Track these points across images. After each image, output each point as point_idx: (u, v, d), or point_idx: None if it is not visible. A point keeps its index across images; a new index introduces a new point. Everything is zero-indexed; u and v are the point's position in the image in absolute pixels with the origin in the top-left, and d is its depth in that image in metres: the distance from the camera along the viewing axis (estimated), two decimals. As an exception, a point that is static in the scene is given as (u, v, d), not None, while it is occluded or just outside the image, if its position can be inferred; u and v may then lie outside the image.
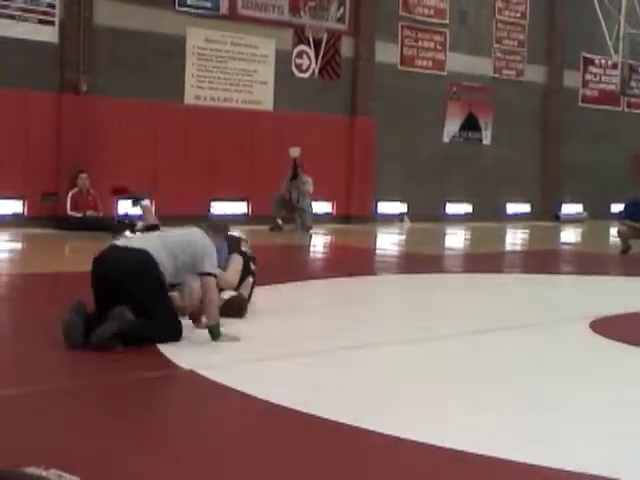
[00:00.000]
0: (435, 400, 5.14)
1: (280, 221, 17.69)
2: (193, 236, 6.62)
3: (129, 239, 6.84)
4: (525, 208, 24.75)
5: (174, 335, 6.37)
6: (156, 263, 6.34)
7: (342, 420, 4.53)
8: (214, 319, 6.42)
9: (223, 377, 5.35)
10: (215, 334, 6.37)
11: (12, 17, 15.91)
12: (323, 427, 4.50)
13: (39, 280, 9.56)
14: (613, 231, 17.49)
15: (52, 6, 16.30)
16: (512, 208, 24.41)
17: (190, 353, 6.09)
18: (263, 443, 4.27)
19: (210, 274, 6.46)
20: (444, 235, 19.91)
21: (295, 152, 17.54)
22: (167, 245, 6.48)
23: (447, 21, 22.44)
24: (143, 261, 6.32)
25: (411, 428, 4.41)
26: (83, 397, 5.00)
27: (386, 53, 21.26)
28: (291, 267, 11.73)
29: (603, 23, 22.95)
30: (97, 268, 6.40)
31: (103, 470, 3.69)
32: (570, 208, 25.72)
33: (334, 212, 20.66)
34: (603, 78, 26.06)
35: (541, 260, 14.74)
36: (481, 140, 23.57)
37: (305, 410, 4.69)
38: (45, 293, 8.73)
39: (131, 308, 6.18)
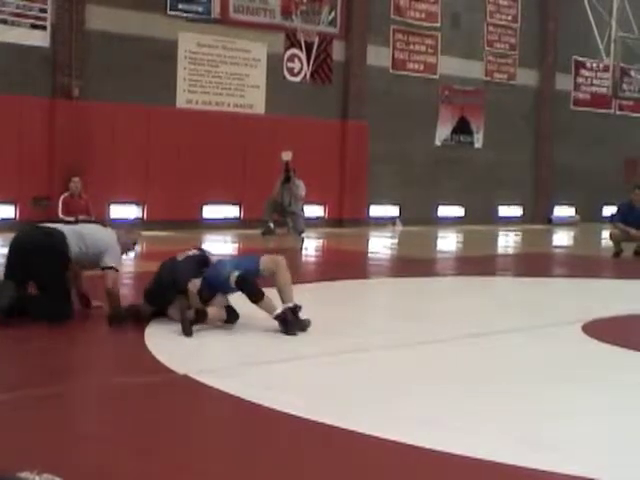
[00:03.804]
0: (431, 403, 5.15)
1: (272, 225, 17.66)
2: (104, 235, 7.46)
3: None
4: (517, 211, 24.82)
5: (60, 315, 7.03)
6: (66, 244, 7.14)
7: (338, 424, 4.53)
8: (114, 308, 7.23)
9: (217, 382, 5.33)
10: (114, 320, 7.11)
11: (4, 22, 15.91)
12: (318, 431, 4.50)
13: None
14: (605, 234, 17.53)
15: (44, 11, 16.29)
16: (504, 211, 24.47)
17: (184, 358, 6.10)
18: (256, 447, 4.28)
19: (111, 268, 7.27)
20: (436, 238, 19.93)
21: (287, 156, 17.51)
22: (80, 234, 7.32)
23: (439, 24, 22.49)
24: (53, 241, 7.14)
25: (409, 432, 4.42)
26: (75, 402, 5.00)
27: (378, 56, 21.30)
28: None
29: (594, 26, 23.02)
30: (13, 242, 7.40)
31: (94, 475, 3.69)
32: (562, 211, 25.80)
33: (327, 216, 20.68)
34: (595, 81, 26.14)
35: (533, 263, 14.76)
36: (473, 143, 23.61)
37: (300, 414, 4.69)
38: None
39: (36, 283, 7.19)
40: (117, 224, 15.37)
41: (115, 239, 7.52)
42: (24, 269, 7.18)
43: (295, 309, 7.05)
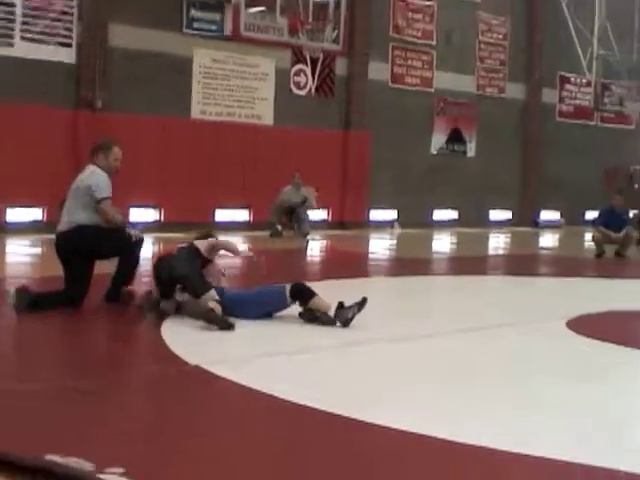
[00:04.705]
0: (425, 393, 5.15)
1: (280, 227, 17.69)
2: (82, 178, 7.75)
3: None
4: (506, 215, 24.79)
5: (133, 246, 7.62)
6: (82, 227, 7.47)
7: (339, 412, 4.51)
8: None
9: (227, 372, 5.31)
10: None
11: (34, 40, 15.96)
12: (324, 420, 4.48)
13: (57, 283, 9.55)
14: (588, 237, 17.50)
15: (70, 30, 16.34)
16: (494, 215, 24.44)
17: (197, 349, 6.08)
18: (263, 435, 4.27)
19: (103, 199, 7.59)
20: (432, 240, 19.92)
21: (308, 193, 17.65)
22: (72, 197, 7.67)
23: (434, 42, 22.48)
24: (74, 240, 7.50)
25: (407, 420, 4.40)
26: (92, 393, 4.93)
27: (378, 71, 21.29)
28: (288, 270, 11.71)
29: (577, 45, 23.07)
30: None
31: (114, 458, 3.68)
32: (548, 215, 25.76)
33: (330, 219, 20.66)
34: (578, 95, 26.12)
35: (522, 263, 14.73)
36: (465, 152, 23.60)
37: (309, 404, 4.65)
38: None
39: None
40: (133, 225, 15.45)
41: (97, 171, 7.68)
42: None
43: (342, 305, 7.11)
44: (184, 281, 7.16)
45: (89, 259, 7.62)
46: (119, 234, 7.65)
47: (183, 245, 7.63)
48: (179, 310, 7.28)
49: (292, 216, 17.84)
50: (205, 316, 6.78)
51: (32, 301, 7.17)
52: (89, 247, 7.53)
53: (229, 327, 6.68)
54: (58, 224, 7.80)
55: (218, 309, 6.88)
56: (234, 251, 7.86)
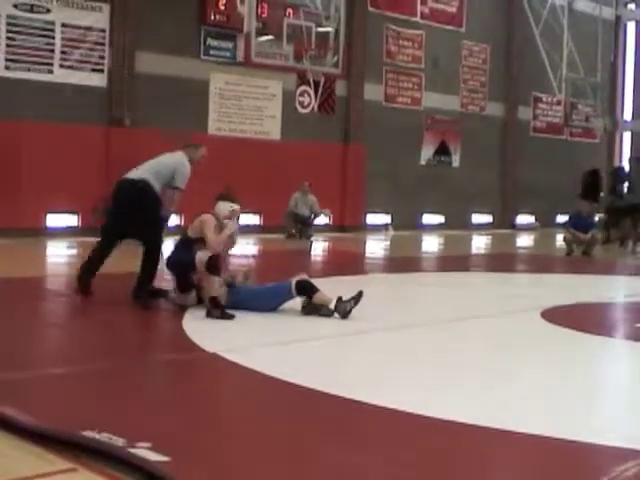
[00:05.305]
0: (417, 376, 5.14)
1: (294, 230, 17.60)
2: (171, 158, 7.72)
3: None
4: (487, 219, 24.76)
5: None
6: (151, 186, 7.39)
7: (340, 394, 4.51)
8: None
9: (242, 359, 5.30)
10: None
11: (71, 67, 16.04)
12: (325, 400, 4.48)
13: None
14: (559, 237, 17.50)
15: (102, 57, 16.40)
16: (477, 219, 24.41)
17: (214, 338, 6.06)
18: (274, 413, 4.27)
19: (177, 188, 7.69)
20: (421, 241, 19.91)
21: (313, 201, 17.61)
22: (150, 166, 7.59)
23: (422, 66, 22.46)
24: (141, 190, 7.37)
25: (403, 400, 4.39)
26: (121, 376, 4.93)
27: (373, 92, 21.28)
28: (295, 268, 11.68)
29: (549, 68, 23.06)
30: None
31: (142, 434, 3.68)
32: (524, 218, 25.74)
33: (331, 223, 20.64)
34: (550, 113, 26.10)
35: (501, 261, 14.73)
36: (451, 163, 23.57)
37: (313, 387, 4.64)
38: (102, 288, 8.70)
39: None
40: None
41: (186, 162, 7.65)
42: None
43: (340, 299, 7.05)
44: (177, 264, 7.17)
45: (125, 225, 7.55)
46: (160, 217, 7.65)
47: (178, 238, 7.65)
48: (200, 302, 7.28)
49: (301, 222, 17.78)
50: (209, 310, 6.85)
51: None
52: (141, 201, 7.44)
53: (229, 318, 6.73)
54: (124, 175, 7.71)
55: (220, 293, 6.89)
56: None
